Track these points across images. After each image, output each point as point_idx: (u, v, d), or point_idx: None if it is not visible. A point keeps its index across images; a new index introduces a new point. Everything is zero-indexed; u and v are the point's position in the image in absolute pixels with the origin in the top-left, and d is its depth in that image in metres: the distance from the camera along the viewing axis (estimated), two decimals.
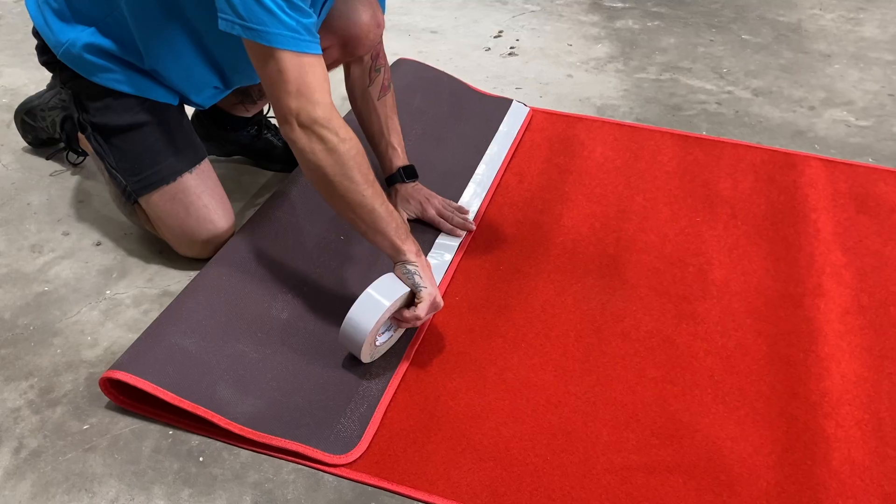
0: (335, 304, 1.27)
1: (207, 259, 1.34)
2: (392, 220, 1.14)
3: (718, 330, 1.28)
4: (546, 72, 2.10)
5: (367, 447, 1.08)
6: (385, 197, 1.15)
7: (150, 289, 1.35)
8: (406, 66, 1.90)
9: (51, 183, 1.60)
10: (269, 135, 1.63)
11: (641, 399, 1.16)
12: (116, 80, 1.28)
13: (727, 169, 1.69)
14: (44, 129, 1.61)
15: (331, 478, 1.04)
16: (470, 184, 1.60)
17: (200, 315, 1.21)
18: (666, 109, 1.93)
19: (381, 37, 1.42)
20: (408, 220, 1.46)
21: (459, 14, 2.42)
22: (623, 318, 1.30)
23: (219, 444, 1.09)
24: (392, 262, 1.18)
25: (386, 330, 1.20)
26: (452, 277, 1.38)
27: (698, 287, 1.37)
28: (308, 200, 1.45)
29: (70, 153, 1.61)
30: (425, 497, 1.02)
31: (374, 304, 1.13)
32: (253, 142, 1.62)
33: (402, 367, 1.19)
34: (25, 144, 1.70)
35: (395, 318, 1.18)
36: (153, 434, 1.10)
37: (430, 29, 2.31)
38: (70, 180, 1.61)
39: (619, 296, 1.35)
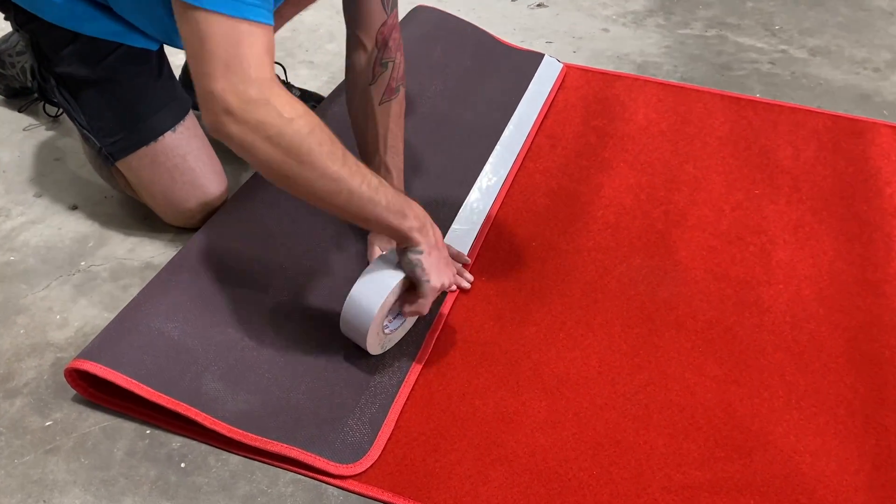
0: (343, 283, 1.09)
1: (196, 228, 1.16)
2: (381, 197, 0.89)
3: (787, 321, 1.10)
4: (579, 25, 1.90)
5: (380, 455, 0.91)
6: (365, 170, 0.90)
7: (130, 260, 1.18)
8: (425, 14, 1.70)
9: (23, 139, 1.42)
10: None
11: (702, 402, 0.99)
12: (82, 21, 1.08)
13: (786, 136, 1.50)
14: (14, 76, 1.42)
15: (336, 491, 0.88)
16: (497, 147, 1.41)
17: (185, 295, 1.03)
18: (713, 68, 1.73)
19: (393, 23, 1.13)
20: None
21: None
22: (676, 306, 1.12)
23: (204, 447, 0.92)
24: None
25: (396, 315, 1.02)
26: (478, 254, 1.20)
27: (761, 270, 1.19)
28: None
29: (46, 105, 1.43)
30: None
31: (379, 283, 0.95)
32: None
33: (420, 360, 1.02)
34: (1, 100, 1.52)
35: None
36: (127, 434, 0.93)
37: None
38: (45, 136, 1.43)
39: (671, 279, 1.17)
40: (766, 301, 1.13)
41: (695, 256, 1.21)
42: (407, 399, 0.98)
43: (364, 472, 0.89)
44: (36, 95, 1.41)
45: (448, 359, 1.03)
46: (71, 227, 1.23)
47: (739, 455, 0.93)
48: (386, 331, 1.01)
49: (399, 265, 0.96)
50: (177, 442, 0.93)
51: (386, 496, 0.87)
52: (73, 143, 1.40)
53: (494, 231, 1.24)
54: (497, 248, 1.21)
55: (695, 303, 1.13)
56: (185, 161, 1.14)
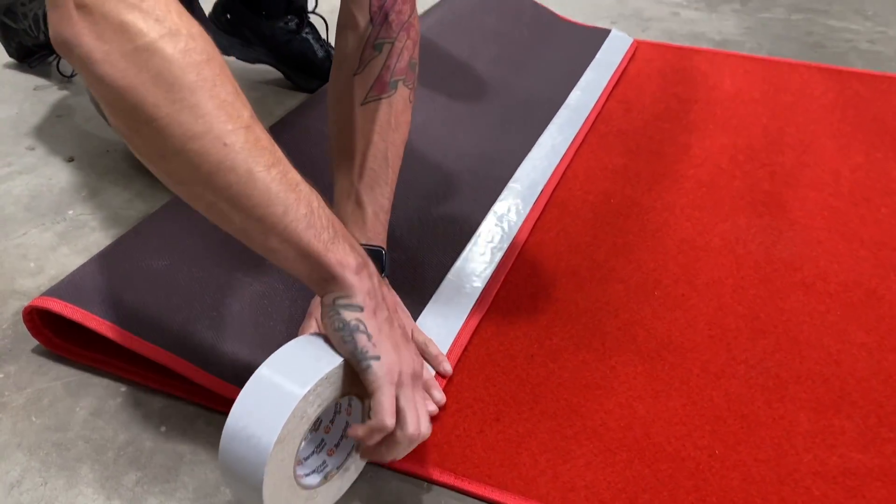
0: None
1: None
2: (298, 201, 0.54)
3: None
4: (647, 8, 1.71)
5: None
6: (280, 158, 0.54)
7: (126, 210, 0.98)
8: None
9: (26, 97, 1.26)
10: (309, 35, 1.26)
11: (852, 373, 0.74)
12: None
13: None
14: (26, 30, 1.28)
15: (365, 465, 0.65)
16: (562, 109, 1.21)
17: (179, 230, 0.83)
18: (805, 47, 1.52)
19: None
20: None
21: None
22: (800, 266, 0.89)
23: (192, 409, 0.70)
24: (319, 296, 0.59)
25: (336, 444, 0.60)
26: (543, 210, 0.98)
27: None
28: None
29: (60, 62, 1.28)
30: None
31: (275, 398, 0.53)
32: (288, 42, 1.24)
33: (473, 318, 0.79)
34: (7, 62, 1.37)
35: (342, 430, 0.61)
36: (95, 391, 0.72)
37: None
38: (53, 95, 1.26)
39: (788, 238, 0.94)
40: None
41: (814, 216, 0.98)
42: (459, 360, 0.75)
43: None
44: (48, 51, 1.26)
45: (511, 317, 0.80)
46: (63, 177, 1.05)
47: None
48: (307, 479, 0.57)
49: (306, 372, 0.54)
50: (158, 402, 0.71)
51: (432, 474, 0.63)
52: (82, 102, 1.23)
53: (563, 189, 1.03)
54: (566, 204, 0.99)
55: (822, 264, 0.89)
56: None
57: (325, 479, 0.58)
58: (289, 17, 1.23)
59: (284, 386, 0.53)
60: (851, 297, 0.84)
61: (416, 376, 0.58)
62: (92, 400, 0.71)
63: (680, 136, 1.16)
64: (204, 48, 0.52)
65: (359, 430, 0.55)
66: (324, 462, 0.59)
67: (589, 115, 1.20)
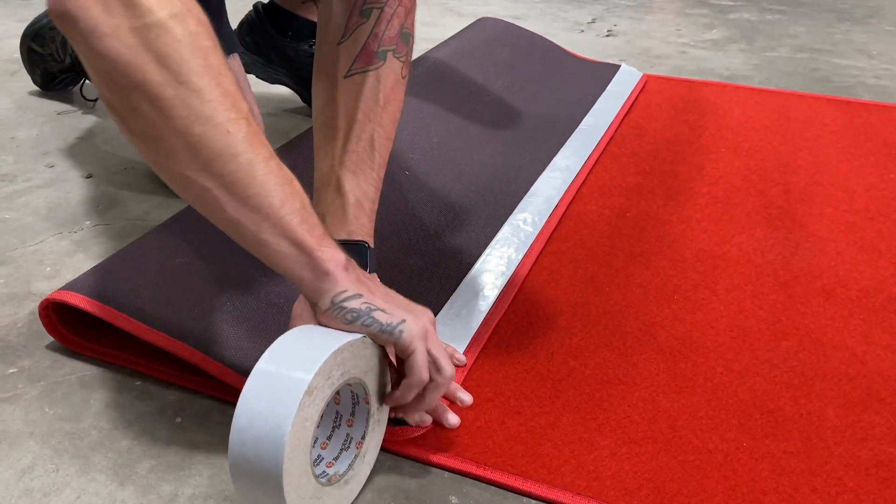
0: (397, 236, 0.89)
1: None
2: (294, 197, 0.55)
3: None
4: (655, 48, 1.75)
5: None
6: (273, 152, 0.55)
7: (144, 222, 0.99)
8: (490, 22, 1.57)
9: (47, 121, 1.28)
10: None
11: (878, 372, 0.73)
12: None
13: None
14: (53, 55, 1.30)
15: (383, 455, 0.63)
16: (576, 133, 1.22)
17: (200, 231, 0.83)
18: (812, 81, 1.55)
19: None
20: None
21: (544, 6, 2.12)
22: (819, 275, 0.88)
23: (208, 401, 0.69)
24: (313, 301, 0.57)
25: (339, 435, 0.59)
26: (560, 222, 0.98)
27: None
28: None
29: (84, 85, 1.31)
30: (545, 493, 0.59)
31: (283, 388, 0.51)
32: (310, 63, 1.26)
33: (493, 317, 0.79)
34: (31, 90, 1.39)
35: (366, 403, 0.58)
36: (110, 384, 0.71)
37: (511, 16, 2.00)
38: (74, 119, 1.28)
39: (805, 250, 0.93)
40: None
41: (831, 230, 0.97)
42: (478, 358, 0.74)
43: (421, 435, 0.64)
44: (73, 74, 1.30)
45: (530, 318, 0.80)
46: (81, 191, 1.06)
47: None
48: (325, 470, 0.56)
49: (311, 355, 0.52)
50: (173, 395, 0.69)
51: (452, 462, 0.62)
52: (102, 125, 1.25)
53: (578, 203, 1.03)
54: (582, 217, 0.99)
55: (842, 272, 0.89)
56: None
57: (349, 462, 0.57)
58: (313, 40, 1.26)
59: (292, 374, 0.51)
60: (873, 302, 0.83)
61: (433, 323, 0.59)
62: (106, 392, 0.70)
63: (693, 158, 1.17)
64: (210, 34, 0.52)
65: (396, 393, 0.57)
66: (340, 441, 0.58)
67: (602, 138, 1.22)
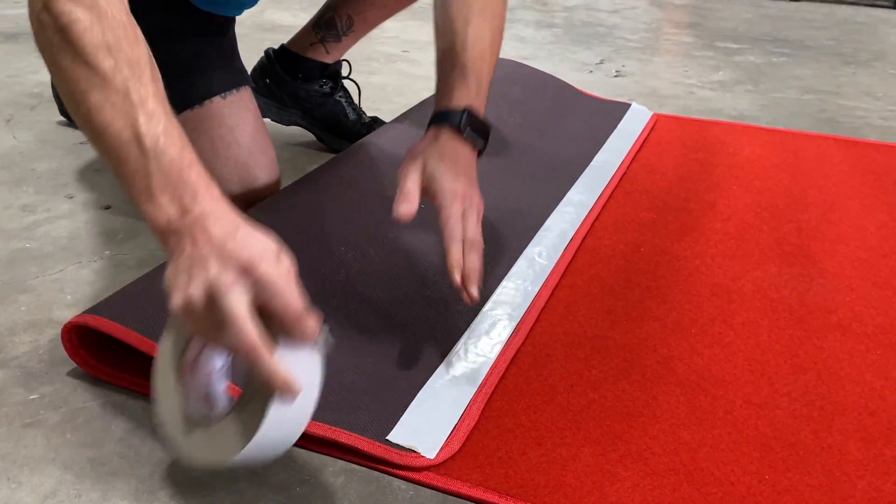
0: (408, 266, 0.90)
1: None
2: (150, 144, 0.56)
3: None
4: (663, 88, 1.78)
5: (461, 447, 0.66)
6: (159, 97, 0.58)
7: (163, 252, 1.00)
8: (502, 62, 1.59)
9: (66, 153, 1.30)
10: (342, 98, 1.31)
11: None
12: None
13: None
14: None
15: (403, 484, 0.63)
16: (588, 169, 1.24)
17: None
18: (819, 122, 1.57)
19: None
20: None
21: (552, 48, 2.15)
22: (835, 310, 0.89)
23: None
24: None
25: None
26: (575, 255, 0.99)
27: None
28: (389, 155, 1.11)
29: None
30: None
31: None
32: (322, 104, 1.29)
33: (511, 350, 0.79)
34: (51, 124, 1.41)
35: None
36: (132, 411, 0.71)
37: (520, 57, 2.03)
38: (93, 151, 1.30)
39: (819, 286, 0.94)
40: None
41: (844, 266, 0.98)
42: (496, 389, 0.74)
43: (442, 463, 0.64)
44: None
45: (548, 350, 0.80)
46: (100, 222, 1.07)
47: None
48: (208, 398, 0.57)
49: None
50: None
51: (475, 492, 0.62)
52: None
53: (593, 238, 1.04)
54: (597, 251, 1.00)
55: (857, 308, 0.89)
56: (233, 133, 0.99)
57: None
58: (323, 80, 1.28)
59: None
60: (890, 339, 0.83)
61: (204, 289, 0.52)
62: (128, 419, 0.70)
63: (705, 195, 1.18)
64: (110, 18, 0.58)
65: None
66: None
67: (615, 174, 1.23)
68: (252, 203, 1.01)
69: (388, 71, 1.85)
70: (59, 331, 0.80)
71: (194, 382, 0.56)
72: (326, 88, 1.28)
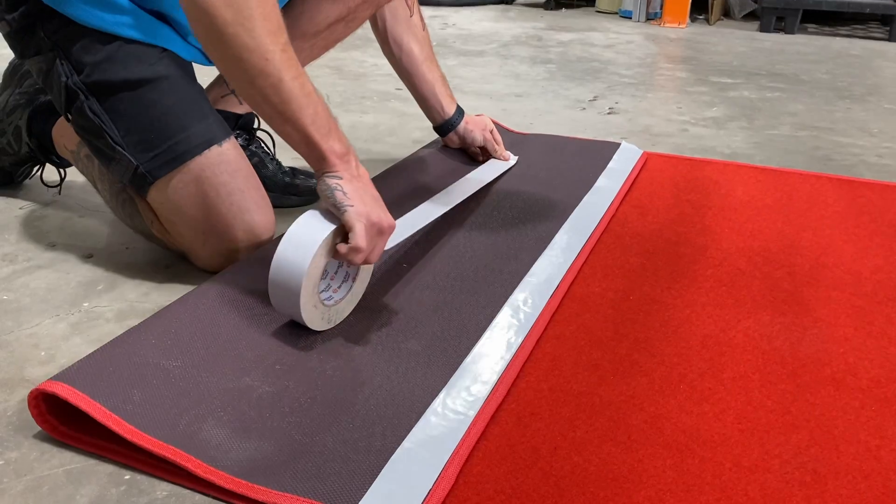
0: (382, 327, 0.89)
1: None
2: (309, 104, 0.84)
3: None
4: (656, 126, 1.76)
5: None
6: (302, 72, 0.85)
7: (143, 303, 0.98)
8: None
9: (52, 198, 1.28)
10: (259, 150, 1.27)
11: (893, 468, 0.70)
12: (122, 22, 0.97)
13: None
14: (5, 148, 1.24)
15: None
16: (576, 210, 1.22)
17: (195, 332, 0.82)
18: (813, 160, 1.55)
19: None
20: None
21: (546, 84, 2.15)
22: (828, 363, 0.86)
23: (198, 497, 0.66)
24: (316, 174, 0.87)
25: (341, 283, 0.88)
26: (560, 304, 0.97)
27: None
28: None
29: (48, 166, 1.26)
30: None
31: (308, 235, 0.82)
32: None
33: (492, 407, 0.77)
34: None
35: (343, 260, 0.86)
36: (98, 479, 0.68)
37: (514, 94, 2.03)
38: (75, 198, 1.29)
39: (813, 336, 0.91)
40: None
41: (839, 315, 0.96)
42: (474, 450, 0.71)
43: None
44: (31, 164, 1.27)
45: (531, 408, 0.78)
46: (80, 272, 1.05)
47: None
48: (325, 298, 0.86)
49: (316, 229, 0.82)
50: (163, 490, 0.67)
51: None
52: (104, 203, 1.26)
53: (580, 284, 1.02)
54: (585, 300, 0.98)
55: (851, 360, 0.87)
56: (234, 180, 0.97)
57: (340, 298, 0.87)
58: (237, 132, 1.25)
59: (311, 234, 0.82)
60: (885, 393, 0.81)
61: (380, 226, 0.84)
62: (94, 488, 0.67)
63: (696, 239, 1.16)
64: None
65: (342, 248, 0.82)
66: (334, 286, 0.88)
67: (604, 216, 1.21)
68: (247, 249, 0.99)
69: (381, 109, 1.84)
70: (29, 392, 0.78)
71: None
72: (241, 141, 1.25)
